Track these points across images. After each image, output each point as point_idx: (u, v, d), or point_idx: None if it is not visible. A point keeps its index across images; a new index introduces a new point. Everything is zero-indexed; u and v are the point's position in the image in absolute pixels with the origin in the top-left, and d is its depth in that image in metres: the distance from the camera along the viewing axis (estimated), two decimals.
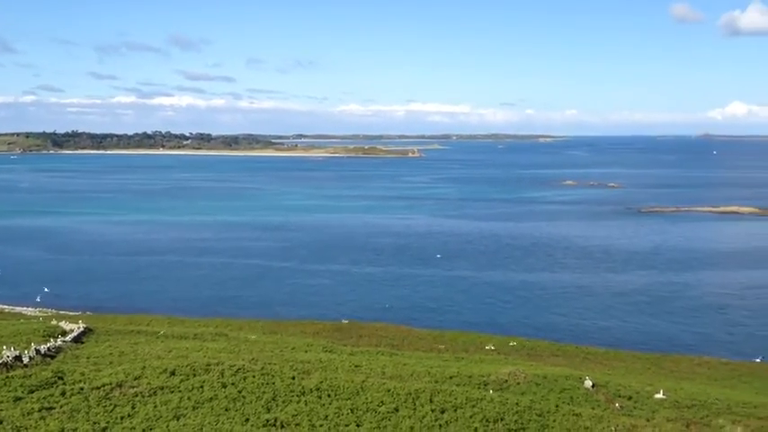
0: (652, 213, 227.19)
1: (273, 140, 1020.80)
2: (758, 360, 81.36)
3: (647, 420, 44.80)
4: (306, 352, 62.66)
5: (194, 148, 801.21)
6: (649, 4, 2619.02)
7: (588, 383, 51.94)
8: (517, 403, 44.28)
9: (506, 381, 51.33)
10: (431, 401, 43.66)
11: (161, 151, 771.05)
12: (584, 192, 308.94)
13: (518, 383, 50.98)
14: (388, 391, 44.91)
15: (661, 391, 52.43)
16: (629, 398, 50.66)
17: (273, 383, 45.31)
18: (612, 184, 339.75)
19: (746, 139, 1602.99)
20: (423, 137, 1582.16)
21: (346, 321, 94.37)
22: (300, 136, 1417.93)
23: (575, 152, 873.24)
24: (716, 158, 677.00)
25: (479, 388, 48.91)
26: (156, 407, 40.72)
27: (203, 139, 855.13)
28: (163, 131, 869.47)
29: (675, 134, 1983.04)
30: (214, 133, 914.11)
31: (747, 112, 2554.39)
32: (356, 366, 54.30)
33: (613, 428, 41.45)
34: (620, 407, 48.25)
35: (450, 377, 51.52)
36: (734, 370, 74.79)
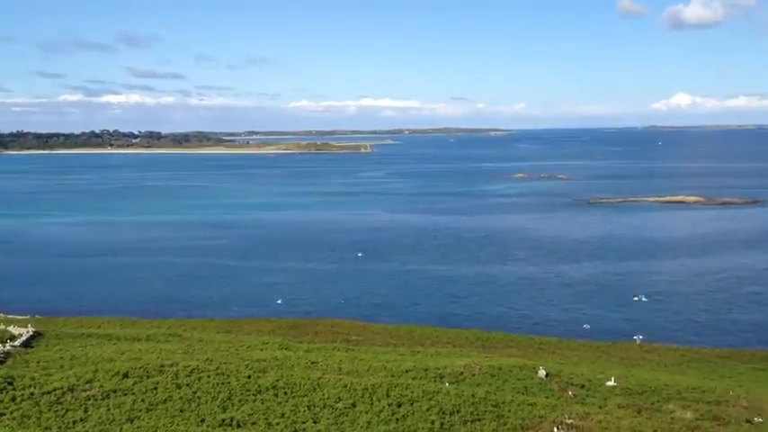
0: (600, 204, 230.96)
1: (225, 138, 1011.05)
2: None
3: (600, 408, 45.72)
4: (261, 350, 62.41)
5: (143, 146, 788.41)
6: None
7: (542, 373, 52.75)
8: (473, 395, 44.77)
9: (462, 373, 51.84)
10: (387, 396, 43.91)
11: (109, 150, 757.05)
12: (535, 184, 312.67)
13: (473, 375, 51.53)
14: (345, 386, 45.02)
15: (612, 379, 53.51)
16: (582, 386, 51.59)
17: (229, 383, 45.09)
18: (562, 177, 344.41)
19: (691, 130, 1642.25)
20: (375, 132, 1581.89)
21: (303, 318, 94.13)
22: (252, 133, 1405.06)
23: (524, 145, 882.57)
24: (661, 149, 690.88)
25: (435, 381, 49.32)
26: (109, 410, 40.22)
27: (153, 138, 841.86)
28: (111, 130, 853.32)
29: (622, 126, 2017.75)
30: (164, 131, 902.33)
31: (691, 103, 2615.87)
32: (312, 363, 54.29)
33: (566, 416, 42.20)
34: (574, 395, 49.12)
35: (407, 371, 51.83)
36: (682, 356, 76.58)
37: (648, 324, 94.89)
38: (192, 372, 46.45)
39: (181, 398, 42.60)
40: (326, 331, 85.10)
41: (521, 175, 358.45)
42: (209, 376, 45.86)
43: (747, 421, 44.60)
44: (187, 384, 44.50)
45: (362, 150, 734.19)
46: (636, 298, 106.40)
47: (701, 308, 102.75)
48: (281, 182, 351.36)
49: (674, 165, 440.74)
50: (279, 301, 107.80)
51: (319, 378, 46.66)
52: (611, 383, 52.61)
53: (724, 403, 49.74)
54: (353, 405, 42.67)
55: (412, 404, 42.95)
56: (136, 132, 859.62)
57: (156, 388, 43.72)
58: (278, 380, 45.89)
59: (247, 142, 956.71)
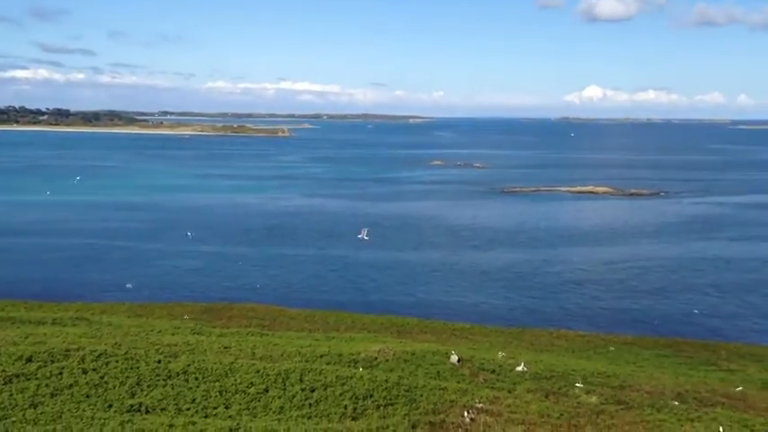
0: (514, 193, 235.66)
1: (137, 117, 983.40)
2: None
3: (509, 392, 46.66)
4: (173, 335, 61.16)
5: (51, 124, 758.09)
6: None
7: (454, 358, 53.46)
8: (386, 380, 45.01)
9: (376, 358, 52.04)
10: (301, 381, 43.70)
11: (15, 127, 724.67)
12: (452, 172, 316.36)
13: (387, 360, 51.80)
14: (258, 371, 44.58)
15: (522, 364, 54.66)
16: (493, 371, 52.52)
17: (138, 368, 44.02)
18: (478, 165, 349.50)
19: (602, 122, 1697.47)
20: (293, 116, 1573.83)
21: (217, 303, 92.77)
22: (166, 113, 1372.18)
23: (442, 133, 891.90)
24: (573, 140, 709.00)
25: (349, 366, 49.36)
26: (11, 395, 38.68)
27: (61, 115, 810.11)
28: (17, 106, 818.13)
29: (536, 116, 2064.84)
30: (73, 109, 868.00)
31: (603, 96, 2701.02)
32: (225, 348, 53.53)
33: (477, 400, 42.89)
34: (484, 380, 49.96)
35: (321, 356, 51.69)
36: (589, 342, 78.98)
37: (558, 311, 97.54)
38: (99, 356, 45.11)
39: (87, 383, 41.34)
40: (241, 316, 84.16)
41: (438, 162, 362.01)
42: (117, 361, 44.64)
43: (650, 405, 46.27)
44: (94, 369, 43.22)
45: (280, 134, 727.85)
46: None
47: (609, 296, 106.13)
48: (196, 164, 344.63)
49: (585, 156, 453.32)
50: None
51: (232, 363, 46.05)
52: (520, 368, 53.75)
53: (628, 388, 51.54)
54: (266, 390, 42.30)
55: (325, 389, 42.87)
56: (43, 109, 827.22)
57: (61, 373, 42.30)
58: (189, 365, 45.06)
59: (161, 122, 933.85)
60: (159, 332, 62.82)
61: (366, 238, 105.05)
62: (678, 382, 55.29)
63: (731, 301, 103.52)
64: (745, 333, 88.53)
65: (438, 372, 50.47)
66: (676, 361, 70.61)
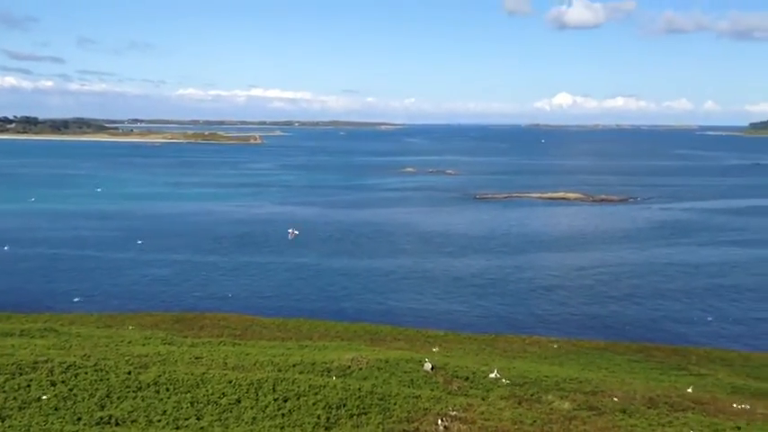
0: (487, 199, 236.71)
1: (107, 125, 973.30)
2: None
3: (483, 399, 46.77)
4: (143, 345, 60.54)
5: (19, 132, 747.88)
6: None
7: (428, 366, 53.47)
8: (359, 388, 44.90)
9: (349, 366, 51.90)
10: (273, 390, 43.46)
11: None
12: (424, 178, 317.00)
13: (360, 369, 51.67)
14: (230, 382, 44.27)
15: (495, 371, 54.81)
16: (466, 378, 52.60)
17: (108, 379, 43.51)
18: (450, 171, 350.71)
19: (572, 129, 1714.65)
20: (265, 123, 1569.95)
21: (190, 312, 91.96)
22: (136, 121, 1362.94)
23: (414, 140, 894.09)
24: (544, 147, 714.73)
25: (322, 375, 49.18)
26: None
27: (29, 123, 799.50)
28: None
29: (507, 123, 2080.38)
30: (41, 117, 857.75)
31: (572, 103, 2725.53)
32: (197, 358, 53.08)
33: (450, 408, 42.92)
34: (458, 387, 50.02)
35: (294, 365, 51.44)
36: (561, 347, 79.45)
37: (530, 317, 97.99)
38: (68, 368, 44.52)
39: (56, 395, 40.77)
40: (213, 325, 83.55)
41: (410, 169, 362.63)
42: (86, 373, 44.09)
43: (621, 411, 46.63)
44: (63, 381, 42.64)
45: (252, 141, 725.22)
46: None
47: (580, 301, 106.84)
48: (167, 171, 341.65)
49: (556, 162, 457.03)
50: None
51: (203, 374, 45.66)
52: (493, 375, 53.90)
53: (600, 393, 51.88)
54: (238, 401, 41.99)
55: (298, 398, 42.66)
56: (11, 117, 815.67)
57: (29, 385, 41.68)
58: (160, 376, 44.61)
59: (131, 130, 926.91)
60: (129, 343, 62.18)
61: (293, 236, 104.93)
62: (649, 387, 55.78)
63: (700, 306, 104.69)
64: (714, 338, 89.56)
65: (412, 379, 50.45)
66: (647, 366, 71.29)
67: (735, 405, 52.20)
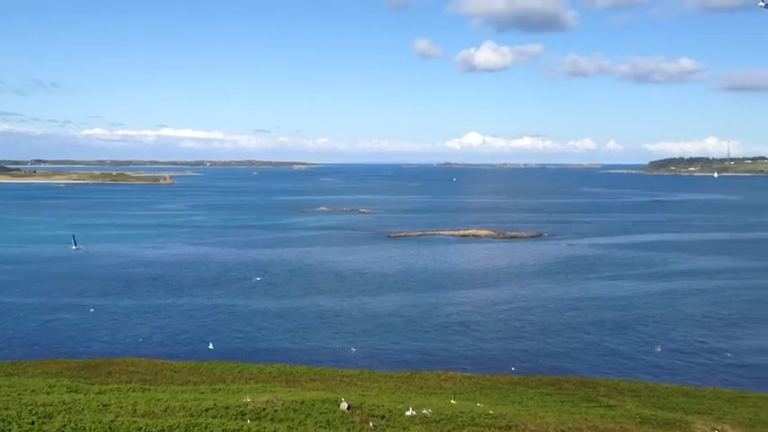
0: (401, 237, 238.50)
1: (8, 166, 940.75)
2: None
3: None
4: (47, 394, 58.01)
5: None
6: (395, 39, 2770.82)
7: (344, 406, 53.07)
8: (275, 431, 44.15)
9: (264, 409, 51.01)
10: None
11: None
12: (338, 217, 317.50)
13: (276, 411, 50.86)
14: (140, 429, 42.85)
15: (411, 408, 54.84)
16: (383, 417, 52.42)
17: (10, 431, 41.42)
18: (364, 210, 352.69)
19: (482, 167, 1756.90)
20: (175, 163, 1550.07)
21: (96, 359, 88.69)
22: (39, 161, 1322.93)
23: (327, 179, 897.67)
24: (456, 185, 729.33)
25: (236, 419, 48.15)
26: None
27: None
28: None
29: (420, 162, 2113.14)
30: None
31: (482, 142, 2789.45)
32: (104, 406, 51.16)
33: None
34: (374, 426, 49.78)
35: (207, 410, 50.20)
36: (476, 383, 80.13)
37: (446, 353, 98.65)
38: None
39: None
40: (121, 371, 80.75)
41: (324, 208, 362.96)
42: None
43: None
44: None
45: (162, 182, 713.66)
46: None
47: (494, 336, 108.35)
48: (73, 213, 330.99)
49: (467, 200, 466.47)
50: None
51: (111, 421, 44.03)
52: (409, 413, 53.90)
53: (513, 428, 52.50)
54: None
55: None
56: None
57: None
58: (65, 425, 42.78)
59: (34, 171, 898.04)
60: (33, 391, 59.48)
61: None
62: (561, 420, 56.80)
63: (609, 338, 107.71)
64: (622, 369, 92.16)
65: (328, 420, 49.93)
66: (559, 399, 72.59)
67: None
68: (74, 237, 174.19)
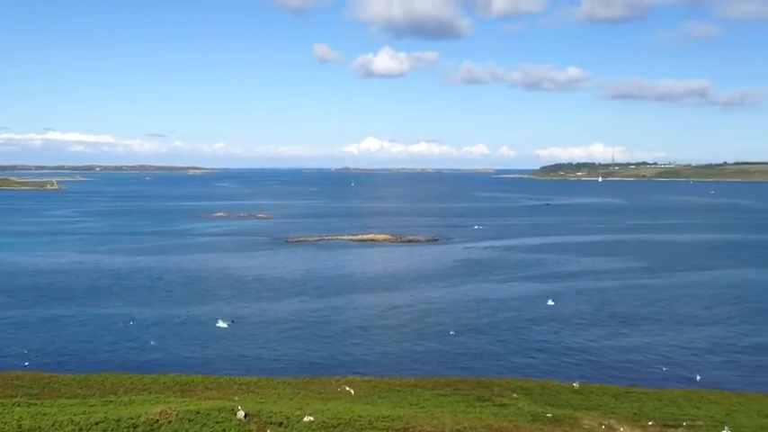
0: (299, 243, 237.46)
1: None
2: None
3: None
4: None
5: None
6: (294, 43, 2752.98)
7: (241, 414, 52.44)
8: None
9: (157, 420, 49.80)
10: None
11: None
12: (235, 223, 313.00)
13: (170, 422, 49.74)
14: None
15: (309, 414, 54.72)
16: (281, 424, 52.10)
17: None
18: (261, 215, 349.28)
19: (380, 172, 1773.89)
20: (63, 168, 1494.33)
21: None
22: None
23: (224, 184, 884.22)
24: (354, 190, 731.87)
25: (128, 431, 46.82)
26: None
27: None
28: None
29: (318, 167, 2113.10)
30: None
31: (380, 147, 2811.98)
32: None
33: None
34: None
35: (96, 423, 48.57)
36: (374, 387, 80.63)
37: (345, 358, 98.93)
38: None
39: None
40: (5, 385, 77.04)
41: (221, 213, 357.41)
42: None
43: None
44: None
45: (49, 187, 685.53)
46: None
47: (393, 340, 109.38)
48: None
49: (365, 205, 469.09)
50: None
51: None
52: (308, 419, 53.78)
53: (411, 429, 53.18)
54: None
55: None
56: None
57: None
58: None
59: None
60: None
61: None
62: (457, 420, 57.94)
63: (504, 338, 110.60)
64: (515, 368, 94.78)
65: (224, 429, 49.26)
66: (455, 399, 73.95)
67: None
68: None
